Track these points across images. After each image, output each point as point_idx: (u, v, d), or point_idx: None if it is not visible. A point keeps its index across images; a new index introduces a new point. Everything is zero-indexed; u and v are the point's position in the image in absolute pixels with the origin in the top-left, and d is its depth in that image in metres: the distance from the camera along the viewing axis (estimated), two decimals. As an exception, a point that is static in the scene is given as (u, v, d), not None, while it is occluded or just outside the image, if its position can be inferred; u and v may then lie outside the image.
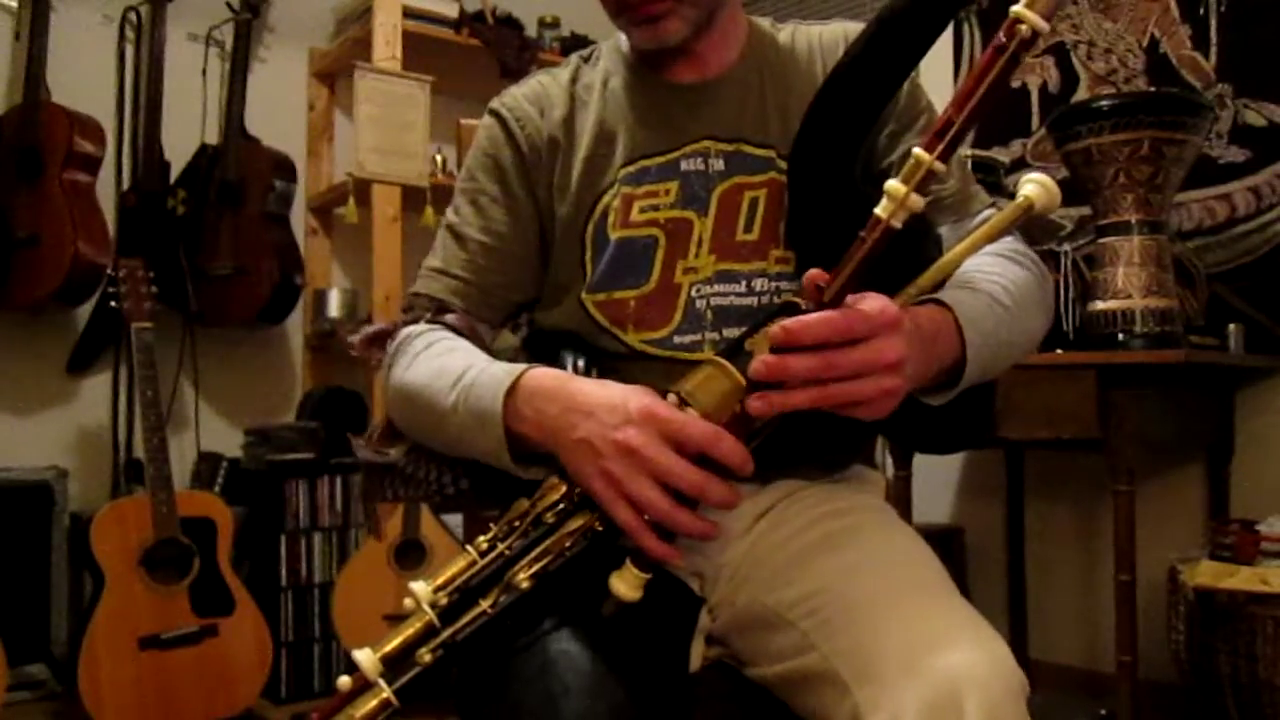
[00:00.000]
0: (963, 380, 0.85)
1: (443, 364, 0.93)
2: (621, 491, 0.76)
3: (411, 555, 2.44)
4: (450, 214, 1.09)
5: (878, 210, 0.72)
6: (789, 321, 0.72)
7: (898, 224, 0.71)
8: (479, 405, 0.86)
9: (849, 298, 0.74)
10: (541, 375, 0.86)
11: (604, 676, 0.79)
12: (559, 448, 0.81)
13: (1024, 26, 0.68)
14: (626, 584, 0.76)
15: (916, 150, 0.71)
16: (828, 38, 1.07)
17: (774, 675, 0.88)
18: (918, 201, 0.71)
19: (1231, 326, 2.15)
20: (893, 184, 0.71)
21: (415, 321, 1.03)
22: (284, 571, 2.46)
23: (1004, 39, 0.69)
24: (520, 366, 0.88)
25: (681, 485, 0.75)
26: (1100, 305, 2.00)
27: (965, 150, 2.46)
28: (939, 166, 0.71)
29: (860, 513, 0.97)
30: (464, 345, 0.98)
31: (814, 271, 0.75)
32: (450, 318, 1.02)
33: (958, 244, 0.82)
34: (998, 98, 0.71)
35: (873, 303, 0.74)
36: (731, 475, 0.76)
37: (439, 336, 0.99)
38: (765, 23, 1.11)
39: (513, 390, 0.85)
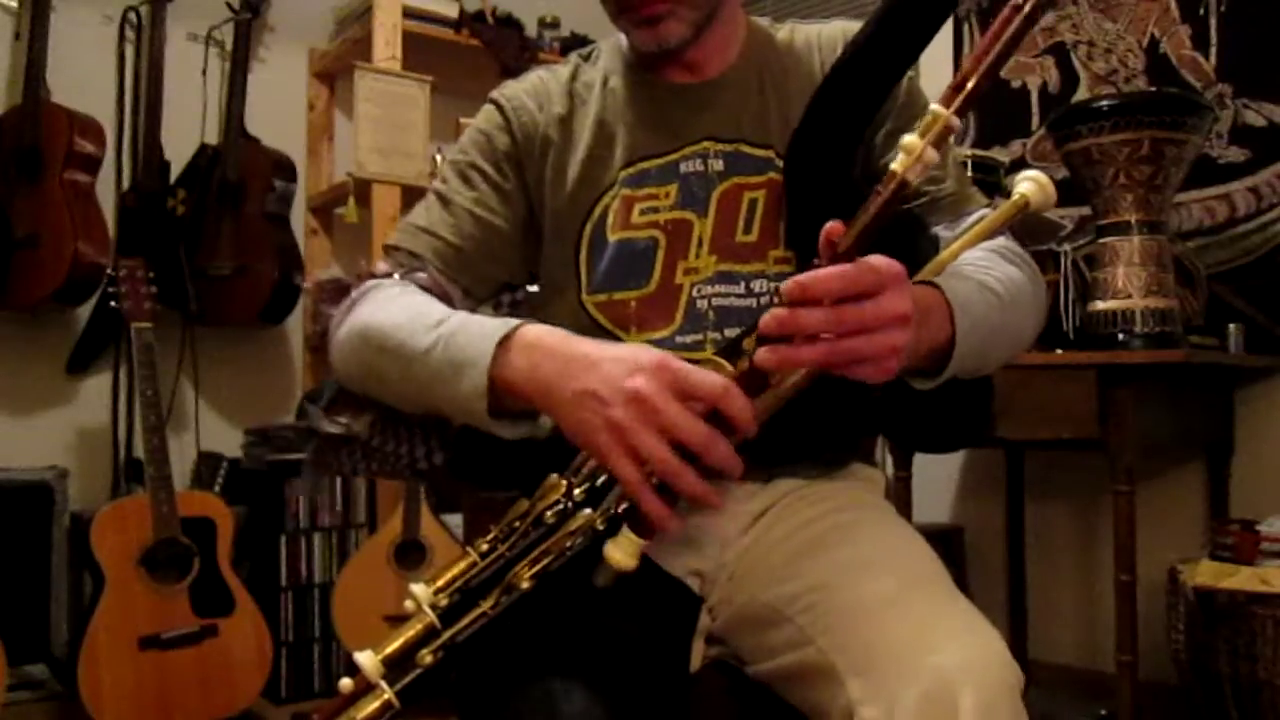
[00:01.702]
0: (952, 362, 0.84)
1: (423, 309, 0.91)
2: (626, 442, 0.73)
3: (412, 555, 2.44)
4: (438, 183, 1.07)
5: (894, 165, 0.72)
6: (802, 276, 0.72)
7: (913, 178, 0.71)
8: (462, 352, 0.83)
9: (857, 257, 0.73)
10: (543, 329, 0.84)
11: (604, 676, 0.79)
12: (556, 402, 0.79)
13: None
14: (622, 551, 0.75)
15: (934, 106, 0.71)
16: (826, 36, 1.07)
17: (772, 671, 0.88)
18: (933, 155, 0.71)
19: (1231, 326, 2.15)
20: (909, 138, 0.71)
21: (387, 275, 1.00)
22: (284, 571, 2.46)
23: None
24: (516, 319, 0.85)
25: (689, 438, 0.73)
26: (1100, 305, 2.00)
27: (965, 151, 2.46)
28: (955, 122, 0.71)
29: (859, 510, 0.97)
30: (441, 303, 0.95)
31: (832, 224, 0.74)
32: (421, 276, 1.00)
33: (953, 242, 0.82)
34: (1011, 56, 0.72)
35: (880, 258, 0.73)
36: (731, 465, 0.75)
37: (415, 290, 0.97)
38: (764, 22, 1.11)
39: (507, 340, 0.83)
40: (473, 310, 1.02)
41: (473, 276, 1.04)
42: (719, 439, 0.73)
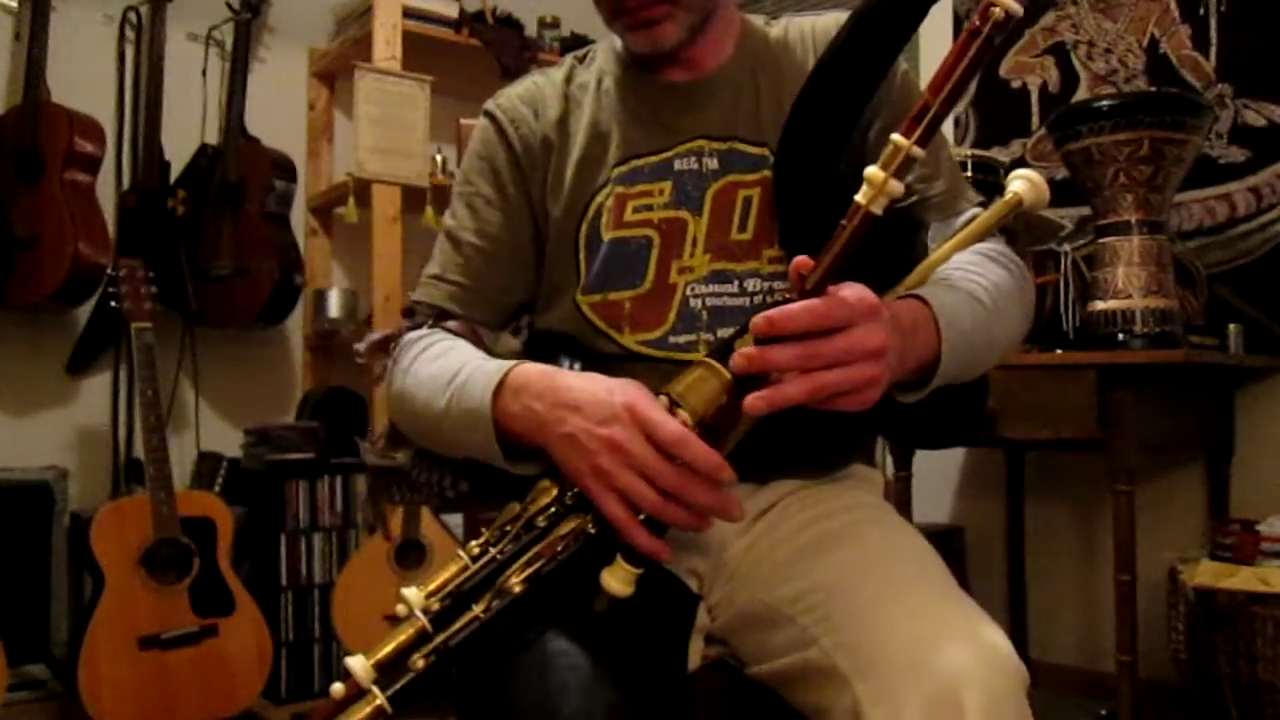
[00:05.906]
0: (936, 376, 0.84)
1: (438, 367, 0.94)
2: (612, 486, 0.76)
3: (412, 556, 2.45)
4: (448, 218, 1.10)
5: (858, 197, 0.72)
6: (771, 311, 0.72)
7: (877, 210, 0.71)
8: (469, 404, 0.87)
9: (830, 287, 0.74)
10: (528, 371, 0.87)
11: (601, 675, 0.79)
12: (548, 442, 0.82)
13: (997, 10, 0.68)
14: (618, 580, 0.76)
15: (894, 136, 0.71)
16: (820, 28, 1.07)
17: (774, 671, 0.88)
18: (897, 187, 0.71)
19: (1231, 326, 2.15)
20: (872, 170, 0.71)
21: (417, 328, 1.04)
22: (284, 571, 2.47)
23: (978, 22, 0.69)
24: (509, 363, 0.89)
25: (661, 483, 0.75)
26: (1100, 305, 2.00)
27: (965, 151, 2.46)
28: (917, 151, 0.71)
29: (859, 510, 0.97)
30: (460, 345, 0.99)
31: (800, 259, 0.75)
32: (451, 324, 1.04)
33: (945, 242, 0.82)
34: (972, 81, 0.72)
35: (852, 290, 0.74)
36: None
37: (436, 339, 1.00)
38: (759, 20, 1.11)
39: (500, 387, 0.86)
40: (497, 339, 1.07)
41: (491, 310, 1.07)
42: (690, 479, 0.74)
